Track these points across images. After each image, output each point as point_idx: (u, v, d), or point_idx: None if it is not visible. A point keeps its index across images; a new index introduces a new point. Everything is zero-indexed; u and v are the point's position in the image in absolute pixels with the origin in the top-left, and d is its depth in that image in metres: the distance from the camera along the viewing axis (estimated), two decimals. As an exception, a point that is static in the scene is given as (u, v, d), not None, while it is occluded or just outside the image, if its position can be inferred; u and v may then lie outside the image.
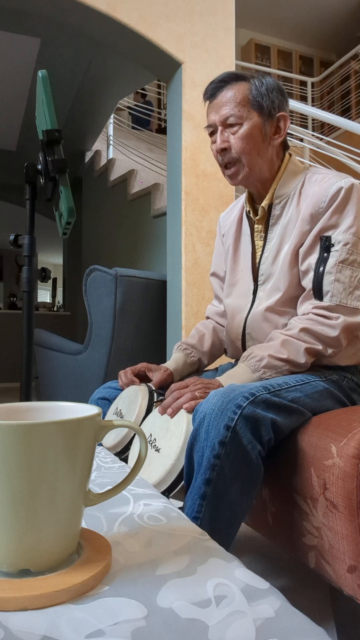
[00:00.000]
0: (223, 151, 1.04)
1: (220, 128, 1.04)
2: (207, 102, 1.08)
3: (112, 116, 4.49)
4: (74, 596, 0.36)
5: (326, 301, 0.97)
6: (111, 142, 4.48)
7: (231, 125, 1.02)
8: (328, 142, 4.59)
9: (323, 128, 5.85)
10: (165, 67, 2.46)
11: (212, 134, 1.07)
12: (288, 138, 1.13)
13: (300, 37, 6.01)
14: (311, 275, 0.99)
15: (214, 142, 1.06)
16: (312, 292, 0.99)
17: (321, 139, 4.70)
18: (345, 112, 5.65)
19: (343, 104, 5.71)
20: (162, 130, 5.77)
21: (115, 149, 4.58)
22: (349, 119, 5.48)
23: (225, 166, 1.07)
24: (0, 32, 3.13)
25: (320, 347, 0.96)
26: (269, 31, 5.88)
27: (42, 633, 0.32)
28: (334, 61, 6.06)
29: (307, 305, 1.00)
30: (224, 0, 2.49)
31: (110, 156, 4.40)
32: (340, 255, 0.96)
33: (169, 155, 2.53)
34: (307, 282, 1.00)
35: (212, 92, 1.06)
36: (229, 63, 2.49)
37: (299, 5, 5.40)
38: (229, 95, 1.02)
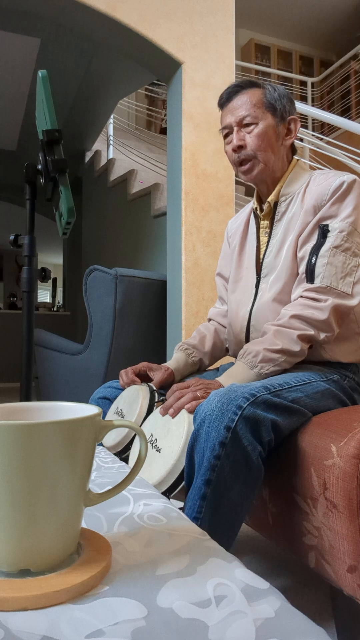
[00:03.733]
0: (239, 148, 1.08)
1: (236, 128, 1.09)
2: (222, 107, 1.13)
3: (112, 116, 4.48)
4: (74, 596, 0.36)
5: (317, 283, 0.98)
6: (111, 142, 4.47)
7: (247, 125, 1.08)
8: (328, 142, 4.59)
9: (323, 128, 5.85)
10: (165, 67, 2.46)
11: (227, 135, 1.12)
12: None
13: (300, 37, 6.00)
14: (306, 260, 1.01)
15: (228, 142, 1.11)
16: (304, 275, 1.01)
17: (321, 139, 4.70)
18: (345, 112, 5.65)
19: (343, 104, 5.70)
20: (162, 131, 5.77)
21: (115, 149, 4.57)
22: (349, 119, 5.48)
23: (240, 163, 1.10)
24: (0, 32, 3.13)
25: (312, 332, 0.97)
26: (269, 31, 5.87)
27: (42, 633, 0.32)
28: (334, 61, 6.06)
29: (299, 290, 1.02)
30: (224, 0, 2.49)
31: (110, 156, 4.40)
32: (335, 240, 0.99)
33: (169, 155, 2.53)
34: (303, 267, 1.03)
35: (228, 96, 1.11)
36: (229, 63, 2.49)
37: (299, 5, 5.40)
38: (245, 98, 1.08)
